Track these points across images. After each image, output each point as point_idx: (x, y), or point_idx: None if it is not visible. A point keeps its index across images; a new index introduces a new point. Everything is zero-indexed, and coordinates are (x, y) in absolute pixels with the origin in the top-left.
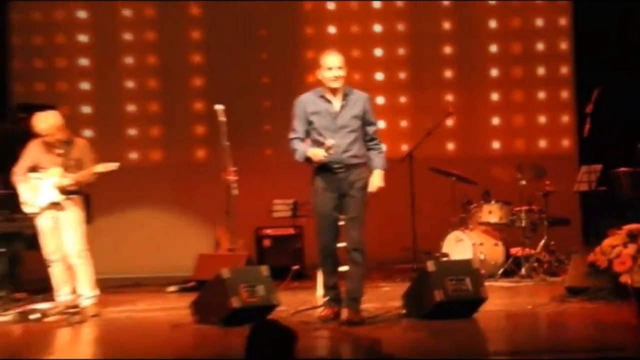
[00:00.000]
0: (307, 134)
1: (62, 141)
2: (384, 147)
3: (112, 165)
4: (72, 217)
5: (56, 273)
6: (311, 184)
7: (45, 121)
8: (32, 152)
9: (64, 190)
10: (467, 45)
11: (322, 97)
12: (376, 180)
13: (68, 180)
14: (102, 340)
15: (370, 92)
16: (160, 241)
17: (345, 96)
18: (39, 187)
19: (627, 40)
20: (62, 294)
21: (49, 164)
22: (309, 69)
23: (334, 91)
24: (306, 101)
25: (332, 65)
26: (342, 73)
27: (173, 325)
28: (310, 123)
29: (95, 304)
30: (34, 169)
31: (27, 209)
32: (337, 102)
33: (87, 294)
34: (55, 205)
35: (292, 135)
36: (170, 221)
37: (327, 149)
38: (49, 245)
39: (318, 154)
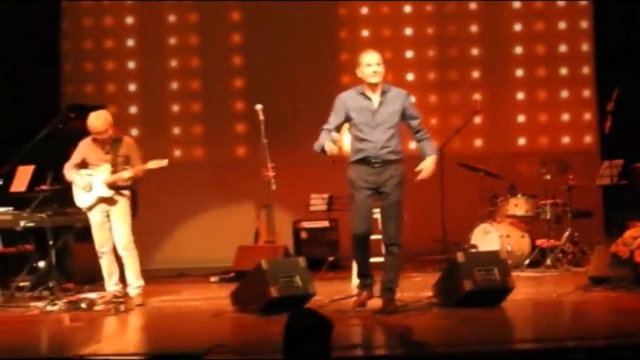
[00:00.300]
0: (338, 129)
1: (111, 139)
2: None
3: (163, 162)
4: (121, 211)
5: (105, 264)
6: (348, 175)
7: (98, 119)
8: (83, 149)
9: (114, 186)
10: (493, 47)
11: (362, 94)
12: (429, 164)
13: (128, 173)
14: (146, 328)
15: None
16: (203, 234)
17: (383, 93)
18: (90, 182)
19: None
20: (111, 284)
21: (98, 161)
22: (343, 70)
23: (373, 88)
24: (346, 98)
25: (370, 61)
26: (380, 69)
27: (214, 314)
28: (350, 119)
29: (140, 293)
30: (83, 165)
31: (79, 203)
32: (375, 99)
33: (134, 283)
34: (105, 200)
35: (323, 127)
36: (212, 215)
37: (334, 142)
38: (99, 238)
39: (332, 148)
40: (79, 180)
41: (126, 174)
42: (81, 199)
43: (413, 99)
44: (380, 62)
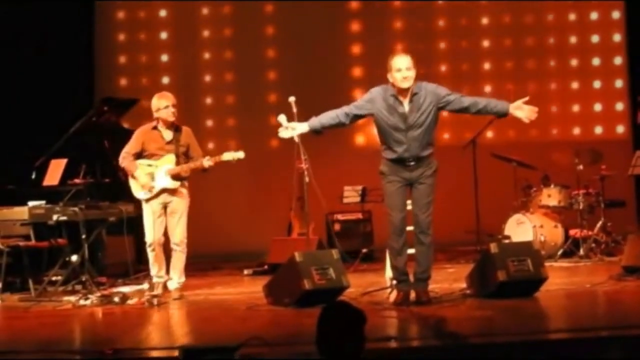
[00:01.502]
0: (354, 118)
1: (174, 126)
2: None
3: (239, 154)
4: (182, 205)
5: (156, 257)
6: (381, 167)
7: (165, 95)
8: (142, 137)
9: (178, 177)
10: (525, 38)
11: (393, 96)
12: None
13: (208, 161)
14: (180, 322)
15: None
16: (236, 227)
17: (413, 95)
18: (154, 173)
19: None
20: (160, 275)
21: (159, 151)
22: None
23: (403, 92)
24: (378, 97)
25: (400, 66)
26: (410, 74)
27: (248, 307)
28: (376, 120)
29: (179, 288)
30: (140, 155)
31: (138, 194)
32: (406, 103)
33: (176, 279)
34: (167, 192)
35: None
36: (246, 207)
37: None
38: (154, 231)
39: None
40: (141, 175)
41: (206, 162)
42: (142, 191)
43: (443, 90)
44: (411, 66)
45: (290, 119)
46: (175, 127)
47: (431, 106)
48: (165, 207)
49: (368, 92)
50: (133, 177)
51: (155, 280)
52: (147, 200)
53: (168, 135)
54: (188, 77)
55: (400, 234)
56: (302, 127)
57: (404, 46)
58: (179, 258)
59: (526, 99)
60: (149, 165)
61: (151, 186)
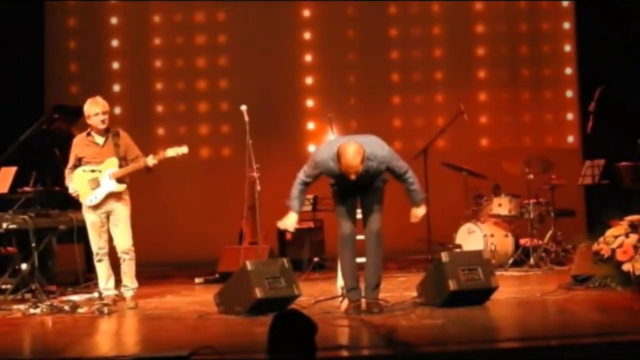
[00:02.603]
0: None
1: (110, 130)
2: None
3: (183, 149)
4: (125, 211)
5: (104, 267)
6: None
7: (97, 102)
8: (76, 147)
9: (122, 180)
10: (477, 48)
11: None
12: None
13: (152, 160)
14: (130, 331)
15: (388, 93)
16: (189, 234)
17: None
18: (98, 178)
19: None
20: (108, 287)
21: (97, 156)
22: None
23: None
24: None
25: (349, 170)
26: (360, 169)
27: (199, 315)
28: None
29: (134, 296)
30: (80, 164)
31: (84, 202)
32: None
33: (129, 285)
34: (113, 197)
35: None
36: (198, 216)
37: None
38: (100, 241)
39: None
40: (78, 188)
41: (149, 160)
42: (88, 197)
43: (396, 167)
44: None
45: (242, 127)
46: (112, 132)
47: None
48: (108, 215)
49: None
50: (72, 186)
51: (105, 293)
52: (94, 208)
53: (100, 140)
54: (139, 84)
55: (350, 243)
56: (294, 217)
57: (356, 56)
58: (129, 265)
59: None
60: (92, 171)
61: (77, 194)
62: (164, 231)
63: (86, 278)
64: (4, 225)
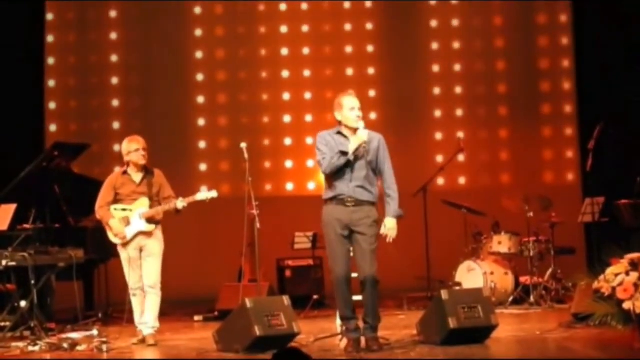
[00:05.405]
0: None
1: (145, 168)
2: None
3: (212, 194)
4: (157, 247)
5: (139, 302)
6: (322, 216)
7: (135, 139)
8: (114, 184)
9: (152, 220)
10: (476, 86)
11: (340, 133)
12: (391, 226)
13: (182, 203)
14: None
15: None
16: (188, 271)
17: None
18: (129, 217)
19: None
20: (143, 321)
21: (133, 195)
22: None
23: (353, 130)
24: (327, 136)
25: (354, 105)
26: (361, 113)
27: (198, 353)
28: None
29: (153, 334)
30: (114, 201)
31: (114, 240)
32: (352, 138)
33: (151, 323)
34: (143, 234)
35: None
36: (197, 253)
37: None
38: (134, 275)
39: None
40: (115, 224)
41: (179, 203)
42: (117, 235)
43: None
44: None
45: (242, 163)
46: (146, 170)
47: (375, 149)
48: (141, 250)
49: (317, 142)
50: (107, 225)
51: (139, 328)
52: (124, 245)
53: (138, 178)
54: (138, 122)
55: (346, 283)
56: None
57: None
58: (153, 301)
59: (392, 234)
60: (124, 210)
61: (124, 235)
62: (162, 268)
63: (85, 316)
64: (4, 262)
